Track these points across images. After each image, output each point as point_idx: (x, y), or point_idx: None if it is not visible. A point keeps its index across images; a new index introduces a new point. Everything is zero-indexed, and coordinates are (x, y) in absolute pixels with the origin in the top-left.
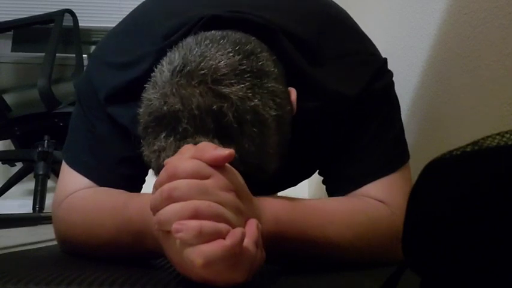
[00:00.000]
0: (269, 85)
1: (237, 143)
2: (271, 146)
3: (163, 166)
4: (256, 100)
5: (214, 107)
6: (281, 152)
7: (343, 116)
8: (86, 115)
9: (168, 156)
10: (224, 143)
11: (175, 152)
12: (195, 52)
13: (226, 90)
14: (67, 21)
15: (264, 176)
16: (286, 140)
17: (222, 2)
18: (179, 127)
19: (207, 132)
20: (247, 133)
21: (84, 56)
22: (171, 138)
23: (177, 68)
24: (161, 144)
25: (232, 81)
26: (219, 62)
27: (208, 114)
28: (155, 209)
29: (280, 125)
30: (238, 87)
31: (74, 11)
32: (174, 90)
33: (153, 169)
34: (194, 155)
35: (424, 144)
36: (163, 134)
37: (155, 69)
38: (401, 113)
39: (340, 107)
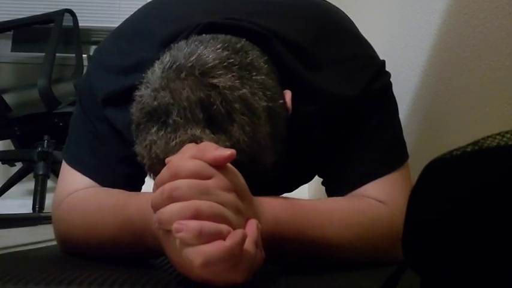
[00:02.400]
0: (258, 77)
1: (227, 132)
2: (263, 136)
3: (154, 160)
4: (244, 89)
5: (202, 96)
6: (276, 147)
7: (343, 119)
8: (87, 115)
9: (159, 149)
10: (215, 133)
11: (166, 145)
12: (184, 51)
13: (213, 80)
14: (67, 21)
15: (256, 168)
16: (281, 137)
17: (219, 8)
18: (170, 120)
19: (198, 123)
20: (236, 121)
21: (84, 56)
22: (162, 132)
23: (167, 65)
24: (152, 138)
25: (220, 72)
26: (207, 56)
27: (197, 105)
28: (156, 208)
29: (272, 118)
30: (226, 77)
31: (74, 11)
32: (163, 84)
33: (145, 166)
34: (195, 155)
35: (424, 144)
36: (155, 129)
37: (148, 71)
38: (401, 113)
39: (339, 109)
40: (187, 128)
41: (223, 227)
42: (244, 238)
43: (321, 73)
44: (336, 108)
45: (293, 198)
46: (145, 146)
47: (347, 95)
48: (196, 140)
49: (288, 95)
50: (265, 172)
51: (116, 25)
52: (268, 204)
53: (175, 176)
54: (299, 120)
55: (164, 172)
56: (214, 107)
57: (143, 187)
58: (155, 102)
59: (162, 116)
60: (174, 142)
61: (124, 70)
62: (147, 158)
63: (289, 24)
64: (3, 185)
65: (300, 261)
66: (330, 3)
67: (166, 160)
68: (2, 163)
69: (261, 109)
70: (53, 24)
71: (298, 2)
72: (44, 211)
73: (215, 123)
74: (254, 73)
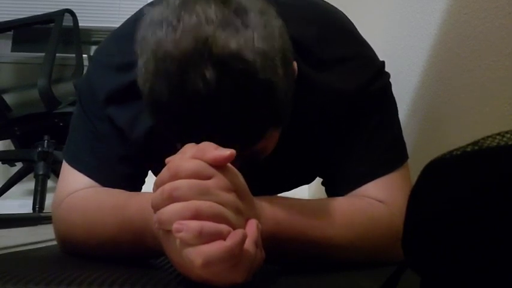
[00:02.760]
0: (277, 21)
1: (241, 32)
2: (276, 49)
3: (160, 65)
4: (259, 12)
5: (217, 6)
6: (288, 83)
7: (343, 118)
8: (87, 115)
9: (168, 45)
10: (228, 33)
11: (176, 45)
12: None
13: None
14: (67, 21)
15: (269, 85)
16: (291, 88)
17: None
18: (181, 23)
19: (210, 24)
20: (251, 26)
21: (84, 56)
22: (171, 30)
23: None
24: (161, 36)
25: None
26: None
27: (211, 11)
28: (156, 208)
29: (285, 37)
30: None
31: (74, 11)
32: (174, 4)
33: (140, 84)
34: (195, 155)
35: (424, 144)
36: (164, 29)
37: None
38: (401, 113)
39: (339, 104)
40: (200, 27)
41: (224, 227)
42: (244, 238)
43: (321, 71)
44: (336, 103)
45: (293, 198)
46: (152, 44)
47: (346, 89)
48: (208, 38)
49: (294, 64)
50: (277, 98)
51: (116, 25)
52: (268, 204)
53: (175, 176)
54: (300, 115)
55: (164, 172)
56: (229, 11)
57: (143, 187)
58: (164, 13)
59: (172, 21)
60: (186, 39)
61: (125, 67)
62: (152, 61)
63: (291, 24)
64: (3, 185)
65: (300, 261)
66: (329, 3)
67: (166, 160)
68: (2, 163)
69: (276, 24)
70: (53, 24)
71: (297, 2)
72: (44, 211)
73: (229, 26)
74: (273, 15)
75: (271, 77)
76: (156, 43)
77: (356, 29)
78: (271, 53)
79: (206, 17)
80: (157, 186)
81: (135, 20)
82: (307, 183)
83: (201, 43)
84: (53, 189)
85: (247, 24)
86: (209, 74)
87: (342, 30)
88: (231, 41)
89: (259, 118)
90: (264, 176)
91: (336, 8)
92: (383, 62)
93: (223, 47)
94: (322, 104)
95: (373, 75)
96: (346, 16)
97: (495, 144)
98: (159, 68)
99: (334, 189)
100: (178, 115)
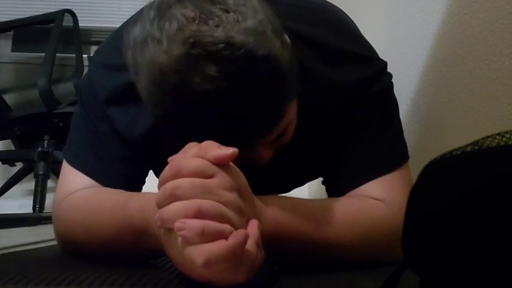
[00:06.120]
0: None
1: (223, 18)
2: (263, 21)
3: (158, 77)
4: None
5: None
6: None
7: (344, 114)
8: (88, 115)
9: (160, 63)
10: (212, 24)
11: (168, 57)
12: None
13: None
14: (67, 21)
15: (268, 57)
16: (292, 53)
17: None
18: (163, 30)
19: (191, 22)
20: (231, 5)
21: (84, 56)
22: (156, 43)
23: None
24: (150, 53)
25: None
26: None
27: (185, 4)
28: (159, 206)
29: (268, 11)
30: None
31: (74, 11)
32: (151, 16)
33: (148, 107)
34: (197, 153)
35: (424, 144)
36: (150, 43)
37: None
38: (401, 113)
39: (341, 97)
40: (183, 30)
41: (226, 226)
42: (246, 238)
43: (328, 65)
44: (338, 96)
45: (294, 198)
46: (145, 65)
47: (349, 82)
48: (195, 37)
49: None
50: (282, 68)
51: (116, 25)
52: (269, 204)
53: (177, 175)
54: (303, 110)
55: (166, 171)
56: (205, 3)
57: (143, 187)
58: (145, 29)
59: (155, 35)
60: (174, 47)
61: (124, 66)
62: (152, 83)
63: (298, 23)
64: (3, 185)
65: (300, 261)
66: (331, 3)
67: (169, 159)
68: (2, 163)
69: (256, 2)
70: (53, 24)
71: (298, 3)
72: (44, 211)
73: (210, 17)
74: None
75: (270, 50)
76: (149, 63)
77: (358, 29)
78: (260, 27)
79: (185, 17)
80: (160, 184)
81: (136, 20)
82: (307, 181)
83: (190, 45)
84: (53, 189)
85: (227, 9)
86: (211, 70)
87: (345, 30)
88: (217, 31)
89: (274, 93)
90: (265, 176)
91: (339, 10)
92: (386, 63)
93: (213, 40)
94: (325, 98)
95: (376, 74)
96: (349, 16)
97: (495, 144)
98: (162, 86)
99: (334, 188)
100: (192, 122)
